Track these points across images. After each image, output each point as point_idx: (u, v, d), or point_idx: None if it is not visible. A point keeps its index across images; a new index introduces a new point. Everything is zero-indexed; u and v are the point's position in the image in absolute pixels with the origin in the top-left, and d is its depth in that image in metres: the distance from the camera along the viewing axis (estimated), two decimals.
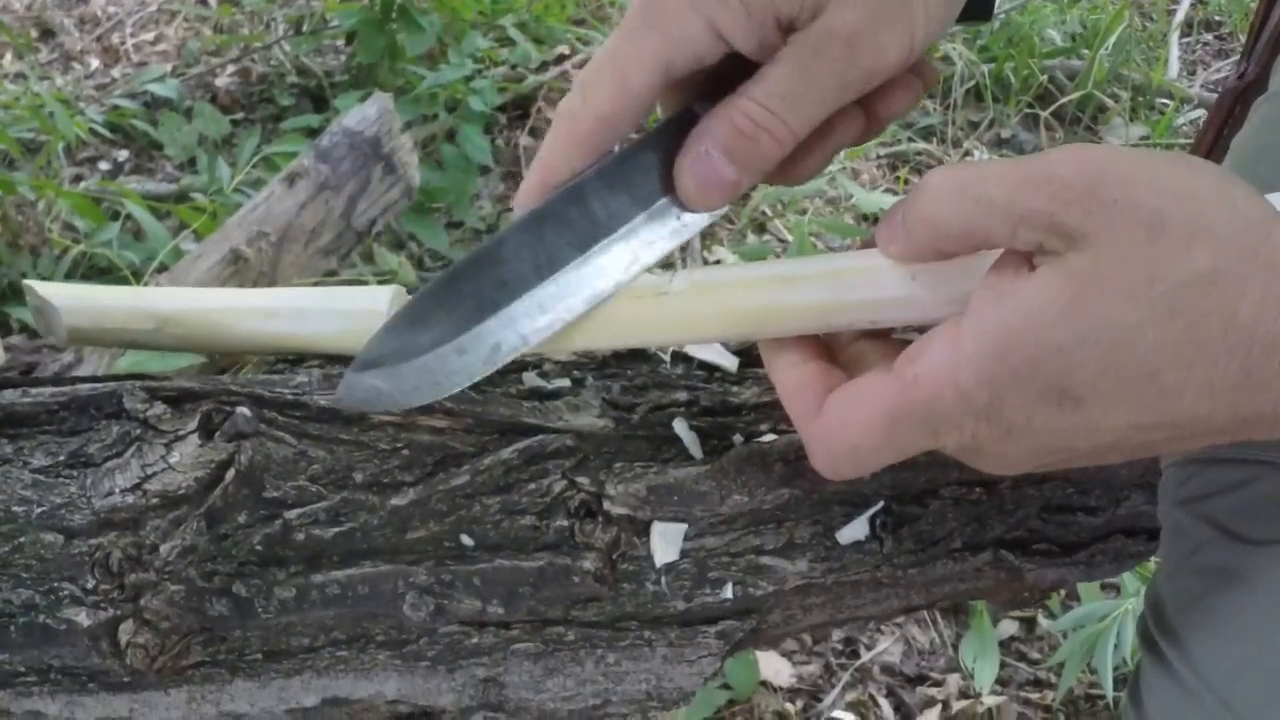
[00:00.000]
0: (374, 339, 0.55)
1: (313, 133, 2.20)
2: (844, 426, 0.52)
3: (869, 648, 1.66)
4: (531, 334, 0.55)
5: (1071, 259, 0.48)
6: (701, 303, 0.56)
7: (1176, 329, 0.47)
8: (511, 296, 0.55)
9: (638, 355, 0.69)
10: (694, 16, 0.55)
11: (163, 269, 1.75)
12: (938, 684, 1.63)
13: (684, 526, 0.62)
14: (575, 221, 0.56)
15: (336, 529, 0.59)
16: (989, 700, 1.59)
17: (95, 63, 2.70)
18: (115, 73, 2.66)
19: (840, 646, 1.66)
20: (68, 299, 0.63)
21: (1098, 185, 0.48)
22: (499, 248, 0.55)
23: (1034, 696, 1.61)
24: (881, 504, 0.65)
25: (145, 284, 1.71)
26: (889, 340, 0.57)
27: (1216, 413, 0.49)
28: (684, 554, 0.62)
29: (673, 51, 0.55)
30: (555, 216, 0.55)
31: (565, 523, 0.61)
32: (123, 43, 2.76)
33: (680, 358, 0.69)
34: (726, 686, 1.52)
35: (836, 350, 0.57)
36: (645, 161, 0.57)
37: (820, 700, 1.58)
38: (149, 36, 2.80)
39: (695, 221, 0.57)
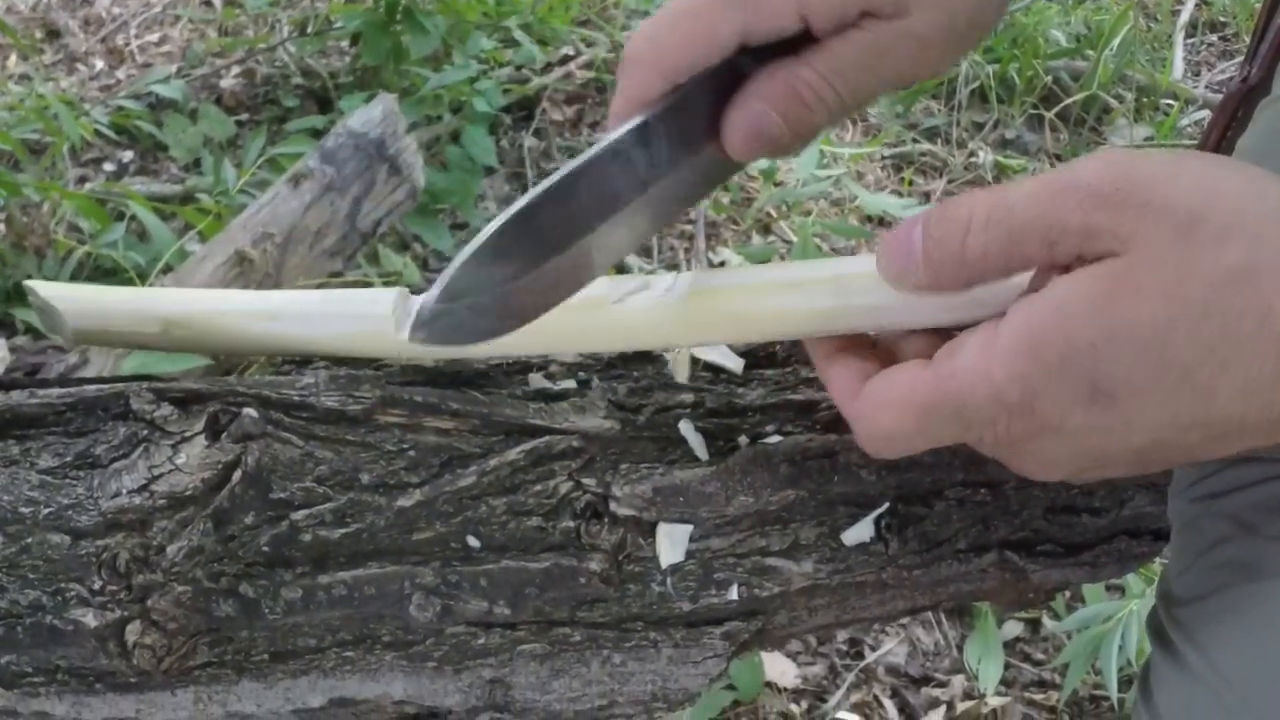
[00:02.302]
0: (451, 275, 0.54)
1: (317, 134, 2.20)
2: (879, 412, 0.53)
3: (874, 649, 1.66)
4: (600, 266, 0.57)
5: (1105, 261, 0.48)
6: (706, 306, 0.57)
7: (1210, 327, 0.47)
8: (583, 231, 0.55)
9: (644, 356, 0.69)
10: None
11: (168, 270, 1.75)
12: (942, 685, 1.63)
13: (689, 528, 0.62)
14: (637, 161, 0.56)
15: (343, 530, 0.59)
16: (994, 701, 1.59)
17: (100, 64, 2.70)
18: (120, 74, 2.66)
19: (845, 647, 1.66)
20: (71, 301, 0.63)
21: (1127, 189, 0.48)
22: (571, 183, 0.55)
23: (1039, 697, 1.61)
24: (887, 505, 0.65)
25: (150, 285, 1.71)
26: (929, 331, 0.57)
27: (1251, 412, 0.48)
28: (689, 555, 0.62)
29: (756, 24, 0.57)
30: (621, 154, 0.56)
31: (571, 524, 0.61)
32: (127, 44, 2.76)
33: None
34: (731, 687, 1.52)
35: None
36: (696, 106, 0.58)
37: (825, 701, 1.58)
38: (154, 38, 2.80)
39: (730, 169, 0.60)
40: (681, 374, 0.67)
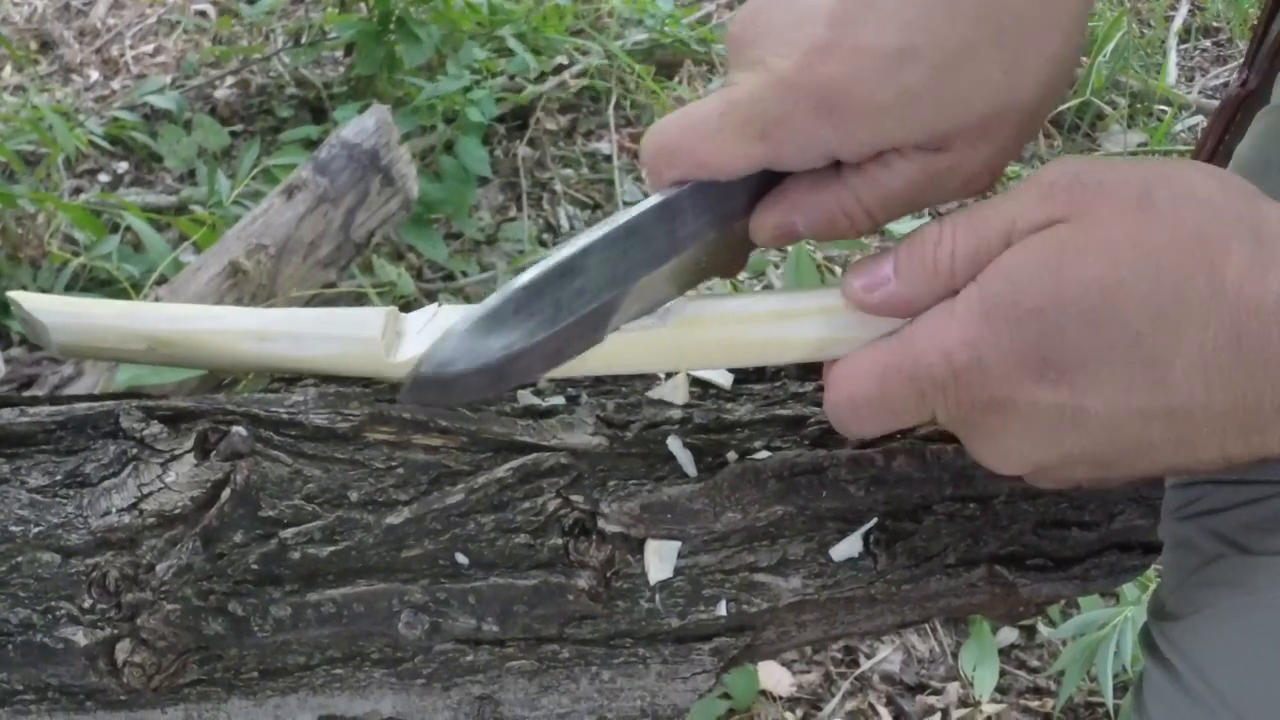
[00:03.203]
0: (447, 342, 0.56)
1: (312, 144, 2.20)
2: (845, 377, 0.54)
3: (869, 656, 1.66)
4: (610, 329, 0.58)
5: (1056, 227, 0.49)
6: (697, 336, 0.58)
7: (1161, 289, 0.47)
8: (586, 304, 0.56)
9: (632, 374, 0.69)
10: (817, 144, 0.54)
11: (162, 281, 1.75)
12: (937, 692, 1.63)
13: (678, 544, 0.62)
14: (657, 240, 0.56)
15: (332, 548, 0.59)
16: (989, 708, 1.59)
17: (95, 75, 2.70)
18: (115, 85, 2.66)
19: (840, 655, 1.66)
20: (56, 314, 0.62)
21: (1081, 174, 0.50)
22: (583, 258, 0.55)
23: (1034, 704, 1.62)
24: (875, 520, 0.65)
25: (145, 296, 1.71)
26: None
27: (1214, 392, 0.48)
28: (678, 571, 0.63)
29: (780, 160, 0.55)
30: (640, 232, 0.56)
31: (560, 541, 0.61)
32: (122, 55, 2.76)
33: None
34: (726, 696, 1.52)
35: None
36: (726, 190, 0.57)
37: (820, 709, 1.59)
38: (148, 48, 2.80)
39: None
40: (680, 396, 0.67)
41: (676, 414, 0.66)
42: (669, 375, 0.68)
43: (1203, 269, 0.47)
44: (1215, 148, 0.95)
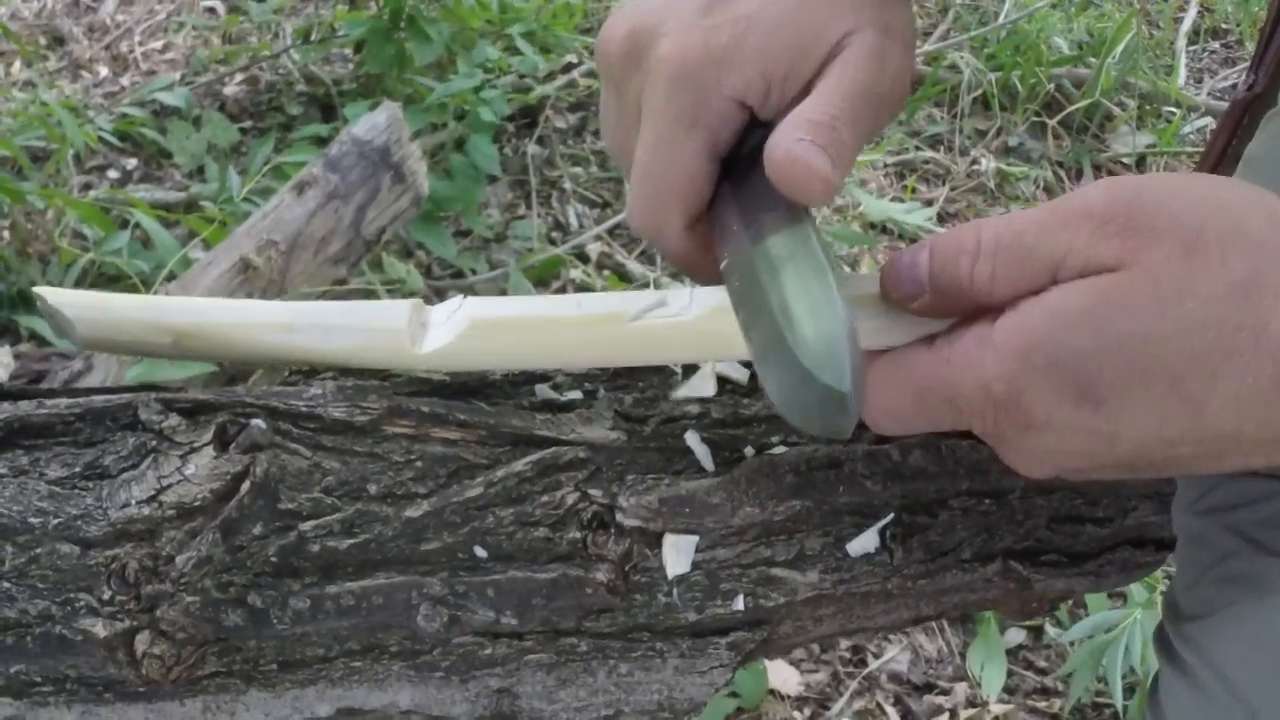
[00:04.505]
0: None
1: (321, 141, 2.21)
2: (882, 389, 0.55)
3: (877, 656, 1.66)
4: None
5: (1105, 275, 0.49)
6: (723, 326, 0.57)
7: (1204, 340, 0.47)
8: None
9: (651, 367, 0.69)
10: (727, 101, 0.60)
11: (172, 278, 1.75)
12: (945, 692, 1.63)
13: (695, 538, 0.62)
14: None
15: (351, 540, 0.59)
16: (996, 709, 1.59)
17: (104, 71, 2.71)
18: (124, 81, 2.67)
19: (848, 655, 1.66)
20: (82, 308, 0.62)
21: (1135, 213, 0.49)
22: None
23: (1041, 705, 1.62)
24: (891, 515, 0.65)
25: (155, 292, 1.71)
26: None
27: (1245, 427, 0.48)
28: (695, 565, 0.63)
29: (717, 137, 0.60)
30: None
31: (578, 534, 0.61)
32: (131, 51, 2.77)
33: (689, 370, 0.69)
34: (735, 694, 1.52)
35: None
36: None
37: (828, 709, 1.59)
38: (158, 45, 2.80)
39: None
40: (709, 388, 0.67)
41: (694, 409, 0.66)
42: (686, 369, 0.68)
43: (1248, 323, 0.47)
44: (1224, 150, 0.95)
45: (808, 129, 0.56)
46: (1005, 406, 0.50)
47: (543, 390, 0.66)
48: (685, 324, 0.58)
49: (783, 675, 1.60)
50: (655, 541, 0.62)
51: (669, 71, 0.59)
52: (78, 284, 1.92)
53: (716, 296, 0.58)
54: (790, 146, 0.55)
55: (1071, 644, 1.62)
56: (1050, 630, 1.70)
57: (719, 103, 0.59)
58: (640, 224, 0.63)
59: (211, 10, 2.94)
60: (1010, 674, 1.63)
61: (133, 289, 1.78)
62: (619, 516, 0.62)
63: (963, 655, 1.67)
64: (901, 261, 0.54)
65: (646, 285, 2.15)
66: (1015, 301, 0.50)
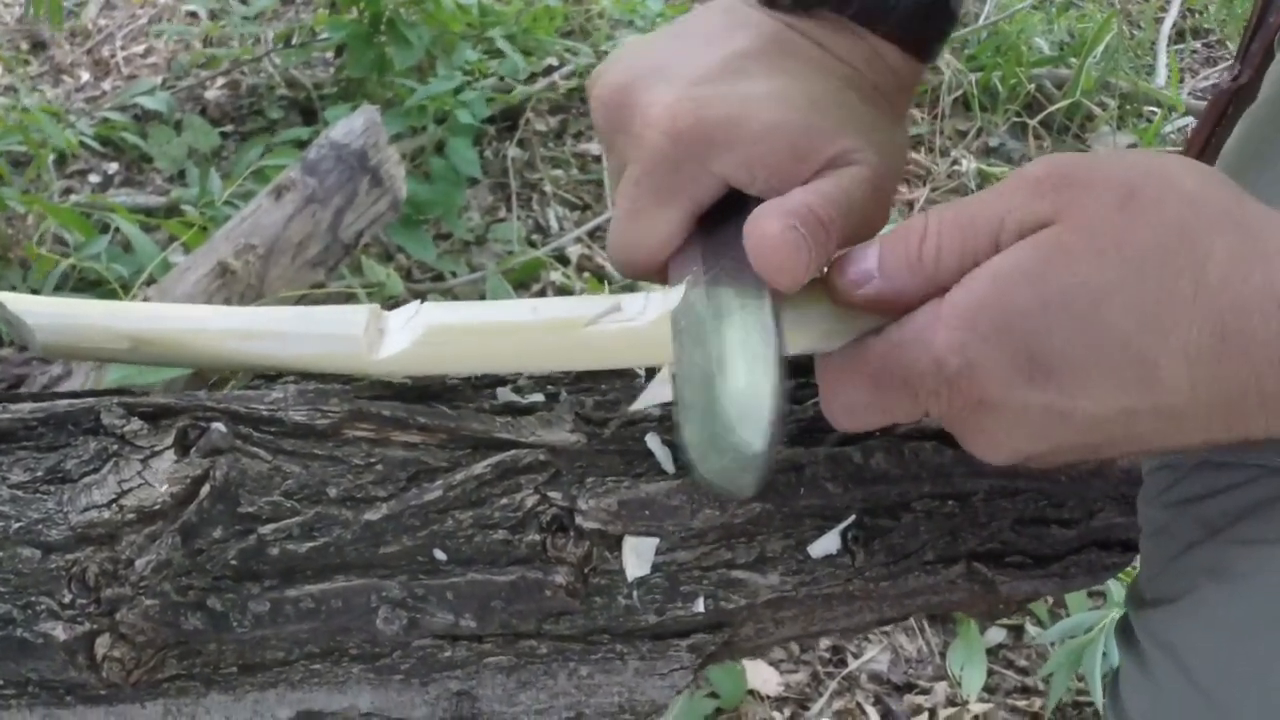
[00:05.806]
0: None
1: (303, 145, 2.20)
2: (837, 383, 0.56)
3: (856, 656, 1.66)
4: None
5: (1041, 231, 0.49)
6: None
7: (1147, 290, 0.47)
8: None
9: (612, 370, 0.69)
10: (713, 177, 0.59)
11: (151, 282, 1.75)
12: (925, 692, 1.63)
13: (656, 541, 0.63)
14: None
15: (310, 544, 0.59)
16: (976, 708, 1.59)
17: (86, 76, 2.70)
18: (105, 85, 2.66)
19: (828, 655, 1.66)
20: (40, 315, 0.62)
21: (1069, 172, 0.50)
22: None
23: (1021, 704, 1.62)
24: (853, 517, 0.65)
25: (134, 297, 1.71)
26: None
27: (1199, 388, 0.48)
28: (656, 568, 0.63)
29: (698, 206, 0.60)
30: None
31: (537, 537, 0.61)
32: (113, 56, 2.76)
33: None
34: (714, 695, 1.53)
35: None
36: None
37: (808, 709, 1.59)
38: (139, 49, 2.80)
39: None
40: (666, 393, 0.67)
41: (655, 411, 0.66)
42: (648, 372, 0.68)
43: (1188, 268, 0.47)
44: (1205, 143, 0.95)
45: (802, 219, 0.55)
46: (958, 383, 0.51)
47: (504, 393, 0.67)
48: (640, 329, 0.58)
49: (762, 676, 1.60)
50: (615, 544, 0.63)
51: (655, 142, 0.59)
52: (58, 289, 1.91)
53: (671, 302, 0.58)
54: (782, 231, 0.55)
55: (1052, 644, 1.63)
56: (1031, 629, 1.70)
57: (705, 178, 0.59)
58: (616, 265, 0.64)
59: (193, 15, 2.94)
60: (990, 673, 1.63)
61: (112, 294, 1.78)
62: (579, 519, 0.62)
63: (943, 655, 1.67)
64: (851, 252, 0.55)
65: (629, 288, 2.15)
66: (961, 278, 0.51)
